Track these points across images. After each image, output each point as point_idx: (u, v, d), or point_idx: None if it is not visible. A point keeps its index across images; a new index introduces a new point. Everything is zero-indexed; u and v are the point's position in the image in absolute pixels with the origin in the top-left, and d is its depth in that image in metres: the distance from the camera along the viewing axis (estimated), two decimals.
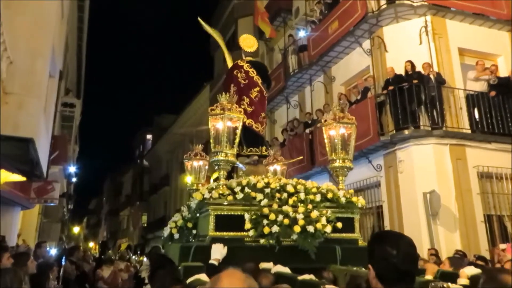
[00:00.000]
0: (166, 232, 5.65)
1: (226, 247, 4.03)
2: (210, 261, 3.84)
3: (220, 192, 4.53)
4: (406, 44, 9.73)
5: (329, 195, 4.76)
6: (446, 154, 8.92)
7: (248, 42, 6.42)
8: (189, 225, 5.42)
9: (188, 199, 6.95)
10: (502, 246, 8.10)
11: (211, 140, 4.76)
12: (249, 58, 6.37)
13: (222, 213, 4.48)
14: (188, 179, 7.10)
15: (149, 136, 37.84)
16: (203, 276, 3.33)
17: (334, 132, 5.03)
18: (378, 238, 1.81)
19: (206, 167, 6.49)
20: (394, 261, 1.62)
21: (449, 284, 2.93)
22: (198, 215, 5.26)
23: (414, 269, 1.69)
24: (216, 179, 4.87)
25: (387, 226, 9.47)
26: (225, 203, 4.50)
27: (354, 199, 4.84)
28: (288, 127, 12.70)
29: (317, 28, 12.13)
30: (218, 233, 4.39)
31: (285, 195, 4.62)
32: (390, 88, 9.27)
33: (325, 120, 5.24)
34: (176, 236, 5.47)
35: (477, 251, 8.03)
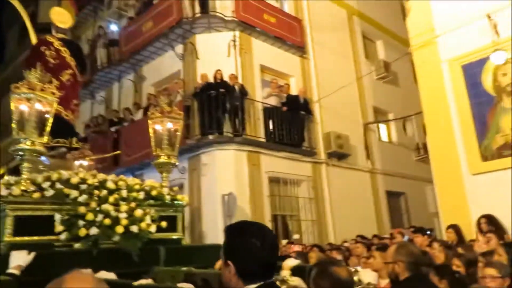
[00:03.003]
0: None
1: (32, 253, 3.41)
2: (9, 271, 3.19)
3: (23, 188, 3.82)
4: (216, 54, 10.27)
5: (153, 193, 4.54)
6: (244, 159, 9.69)
7: (61, 17, 5.62)
8: None
9: None
10: (283, 241, 9.36)
11: (13, 125, 3.98)
12: (61, 36, 5.59)
13: (25, 214, 3.77)
14: None
15: None
16: None
17: (160, 126, 4.86)
18: (239, 230, 1.59)
19: None
20: (261, 254, 1.49)
21: (287, 276, 3.10)
22: None
23: (277, 260, 1.60)
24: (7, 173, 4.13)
25: (187, 226, 9.78)
26: (29, 201, 3.83)
27: (179, 196, 4.76)
28: (92, 123, 11.92)
29: (130, 25, 11.77)
30: (18, 238, 3.68)
31: (105, 192, 4.18)
32: (199, 93, 9.69)
33: (152, 113, 5.04)
34: None
35: None
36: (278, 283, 2.79)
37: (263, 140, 10.22)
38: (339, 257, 6.39)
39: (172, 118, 4.88)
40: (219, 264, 3.79)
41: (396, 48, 14.30)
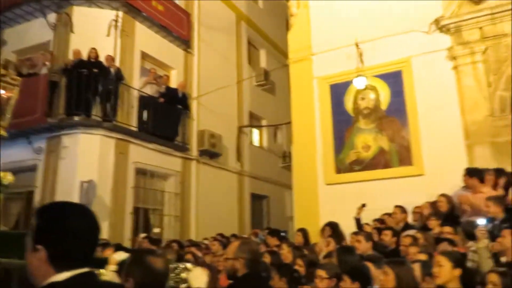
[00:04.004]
0: None
1: None
2: None
3: None
4: (94, 31, 9.62)
5: None
6: (111, 147, 9.22)
7: None
8: None
9: None
10: (142, 235, 9.07)
11: None
12: None
13: None
14: None
15: None
16: None
17: None
18: (58, 209, 1.37)
19: None
20: (85, 235, 1.33)
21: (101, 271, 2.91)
22: None
23: (97, 245, 1.44)
24: None
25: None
26: None
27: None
28: None
29: None
30: None
31: None
32: (69, 70, 8.95)
33: None
34: None
35: (120, 240, 8.54)
36: None
37: (135, 129, 9.85)
38: (198, 253, 6.41)
39: (5, 83, 4.11)
40: None
41: (277, 58, 15.03)
